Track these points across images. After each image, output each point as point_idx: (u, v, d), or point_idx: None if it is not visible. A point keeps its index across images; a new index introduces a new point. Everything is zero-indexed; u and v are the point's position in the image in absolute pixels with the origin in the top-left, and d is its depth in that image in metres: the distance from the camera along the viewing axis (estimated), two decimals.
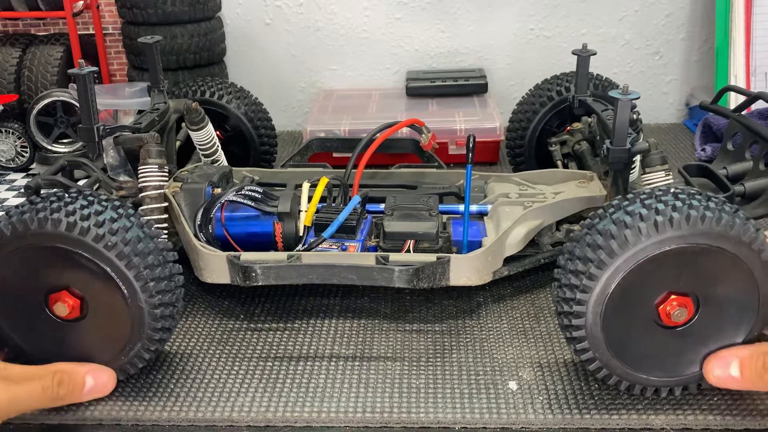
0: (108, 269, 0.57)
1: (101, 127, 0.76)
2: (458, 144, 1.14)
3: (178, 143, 0.90)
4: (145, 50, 0.88)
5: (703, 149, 1.14)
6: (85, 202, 0.58)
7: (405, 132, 0.97)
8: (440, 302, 0.75)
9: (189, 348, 0.68)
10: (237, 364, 0.66)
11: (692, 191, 0.56)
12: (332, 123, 1.17)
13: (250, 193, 0.75)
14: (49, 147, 1.12)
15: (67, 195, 0.59)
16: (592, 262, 0.55)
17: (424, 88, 1.30)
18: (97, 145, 0.76)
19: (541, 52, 1.39)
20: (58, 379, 0.54)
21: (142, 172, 0.74)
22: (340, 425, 0.59)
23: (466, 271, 0.69)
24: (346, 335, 0.70)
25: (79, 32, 1.25)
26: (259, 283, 0.68)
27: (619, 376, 0.58)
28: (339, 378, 0.64)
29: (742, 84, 1.22)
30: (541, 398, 0.61)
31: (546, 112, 0.96)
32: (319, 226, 0.73)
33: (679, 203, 0.55)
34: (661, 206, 0.55)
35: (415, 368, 0.65)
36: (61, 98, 1.10)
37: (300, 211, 0.74)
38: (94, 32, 1.36)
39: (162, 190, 0.74)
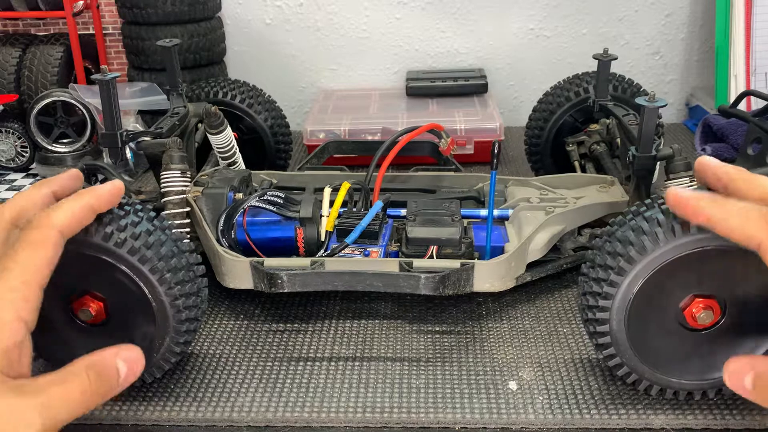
0: (123, 267, 0.55)
1: (124, 133, 0.75)
2: (458, 144, 1.14)
3: (195, 145, 0.90)
4: (163, 53, 0.88)
5: (703, 149, 1.14)
6: None
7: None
8: (440, 302, 0.75)
9: (188, 348, 0.68)
10: (237, 364, 0.66)
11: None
12: (332, 123, 1.17)
13: (272, 198, 0.75)
14: (49, 147, 1.12)
15: None
16: (612, 270, 0.55)
17: (424, 88, 1.30)
18: (121, 150, 0.75)
19: (541, 52, 1.39)
20: (95, 373, 0.46)
21: (164, 178, 0.74)
22: (340, 425, 0.59)
23: (489, 277, 0.69)
24: (346, 335, 0.70)
25: (79, 32, 1.25)
26: (285, 290, 0.67)
27: (649, 380, 0.58)
28: (339, 378, 0.64)
29: (741, 84, 1.22)
30: (541, 398, 0.61)
31: (564, 111, 0.94)
32: (341, 231, 0.73)
33: None
34: None
35: (415, 368, 0.65)
36: (61, 98, 1.10)
37: (322, 216, 0.74)
38: (94, 32, 1.36)
39: (184, 196, 0.74)
